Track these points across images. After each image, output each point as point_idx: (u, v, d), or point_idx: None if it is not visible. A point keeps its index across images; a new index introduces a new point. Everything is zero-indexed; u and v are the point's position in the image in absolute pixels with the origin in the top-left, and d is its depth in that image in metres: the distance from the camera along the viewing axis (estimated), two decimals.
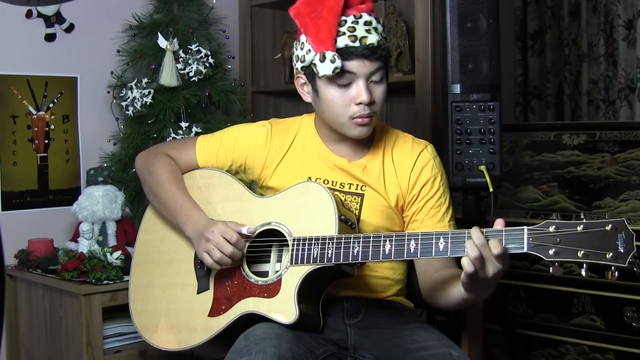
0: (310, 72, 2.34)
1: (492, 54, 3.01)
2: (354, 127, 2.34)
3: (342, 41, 2.26)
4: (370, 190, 2.41)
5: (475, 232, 1.97)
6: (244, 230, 2.27)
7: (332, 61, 2.25)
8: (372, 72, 2.29)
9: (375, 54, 2.27)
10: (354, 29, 2.27)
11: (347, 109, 2.31)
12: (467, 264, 1.97)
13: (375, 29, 2.29)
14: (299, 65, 2.38)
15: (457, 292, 2.16)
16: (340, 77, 2.28)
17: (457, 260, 2.41)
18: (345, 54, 2.26)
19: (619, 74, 4.54)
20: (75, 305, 3.29)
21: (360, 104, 2.29)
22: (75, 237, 3.67)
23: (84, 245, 3.54)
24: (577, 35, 4.83)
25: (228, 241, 2.24)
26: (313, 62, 2.29)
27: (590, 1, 4.71)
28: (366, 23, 2.28)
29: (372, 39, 2.27)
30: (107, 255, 3.41)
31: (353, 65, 2.27)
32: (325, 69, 2.26)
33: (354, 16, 2.29)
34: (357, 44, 2.25)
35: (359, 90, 2.29)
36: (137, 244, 2.60)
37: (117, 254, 3.44)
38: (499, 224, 1.99)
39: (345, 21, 2.28)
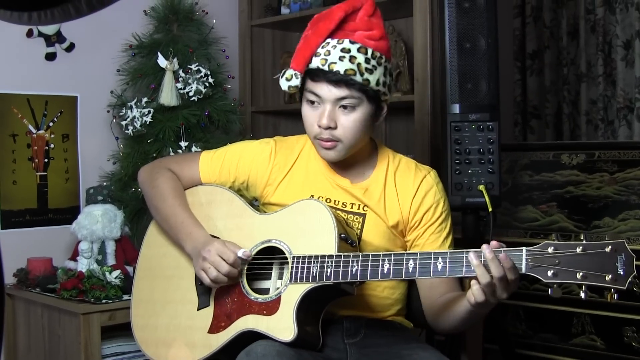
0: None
1: (490, 74, 3.01)
2: (319, 148, 2.38)
3: (315, 63, 2.30)
4: (371, 212, 2.41)
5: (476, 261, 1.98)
6: (240, 253, 2.27)
7: (288, 79, 2.31)
8: (339, 99, 2.29)
9: (340, 81, 2.28)
10: (329, 53, 2.29)
11: (312, 127, 2.35)
12: (478, 294, 1.99)
13: (352, 57, 2.28)
14: None
15: (460, 312, 2.16)
16: (310, 96, 2.33)
17: (463, 282, 2.42)
18: (314, 75, 2.30)
19: (617, 94, 4.55)
20: (73, 324, 3.28)
21: (319, 126, 2.31)
22: (74, 256, 3.66)
23: (83, 264, 3.54)
24: (575, 55, 4.84)
25: (225, 261, 2.24)
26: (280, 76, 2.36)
27: (589, 21, 4.72)
28: (343, 50, 2.29)
29: (340, 66, 2.27)
30: (106, 274, 3.41)
31: (319, 88, 2.30)
32: (283, 84, 2.34)
33: (338, 40, 2.31)
34: (325, 68, 2.28)
35: (321, 112, 2.31)
36: (139, 259, 2.60)
37: (116, 273, 3.44)
38: (493, 246, 1.99)
39: (328, 44, 2.31)
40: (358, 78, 2.28)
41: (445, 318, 2.30)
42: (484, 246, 1.97)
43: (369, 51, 2.31)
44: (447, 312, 2.26)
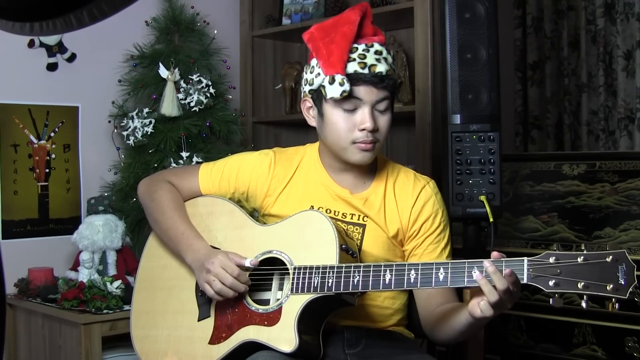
0: (317, 95, 2.36)
1: (492, 85, 3.02)
2: (356, 152, 2.34)
3: (352, 67, 2.28)
4: (371, 222, 2.41)
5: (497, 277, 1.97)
6: (247, 263, 2.26)
7: (341, 84, 2.26)
8: (378, 101, 2.31)
9: (382, 82, 2.29)
10: (365, 57, 2.29)
11: (350, 133, 2.32)
12: (486, 309, 1.98)
13: (385, 59, 2.32)
14: (307, 88, 2.39)
15: (460, 322, 2.16)
16: (346, 102, 2.30)
17: (459, 292, 2.42)
18: (353, 79, 2.28)
19: (618, 104, 4.55)
20: (74, 334, 3.28)
21: (363, 130, 2.30)
22: (75, 266, 3.67)
23: (84, 275, 3.54)
24: (576, 66, 4.84)
25: (229, 273, 2.24)
26: (322, 84, 2.30)
27: (590, 32, 4.73)
28: (377, 52, 2.31)
29: (381, 67, 2.29)
30: (107, 284, 3.41)
31: (360, 91, 2.29)
32: (333, 91, 2.28)
33: (366, 45, 2.31)
34: (366, 70, 2.28)
35: (364, 116, 2.30)
36: (139, 271, 2.60)
37: (117, 283, 3.44)
38: (494, 257, 1.99)
39: (357, 48, 2.31)
40: (394, 78, 2.35)
41: (444, 329, 2.29)
42: (486, 262, 1.97)
43: (391, 52, 2.37)
44: (446, 323, 2.26)
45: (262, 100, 4.65)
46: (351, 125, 2.32)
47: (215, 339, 2.31)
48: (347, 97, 2.29)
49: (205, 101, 3.80)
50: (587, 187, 3.53)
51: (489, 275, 1.95)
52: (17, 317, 3.63)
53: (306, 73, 2.41)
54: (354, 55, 2.29)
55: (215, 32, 4.08)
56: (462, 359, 2.95)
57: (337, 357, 2.33)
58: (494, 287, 1.95)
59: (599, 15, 4.65)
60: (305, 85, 2.41)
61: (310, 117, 2.45)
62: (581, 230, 3.49)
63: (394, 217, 2.42)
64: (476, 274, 1.98)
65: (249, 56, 4.57)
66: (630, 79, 4.52)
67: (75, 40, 3.93)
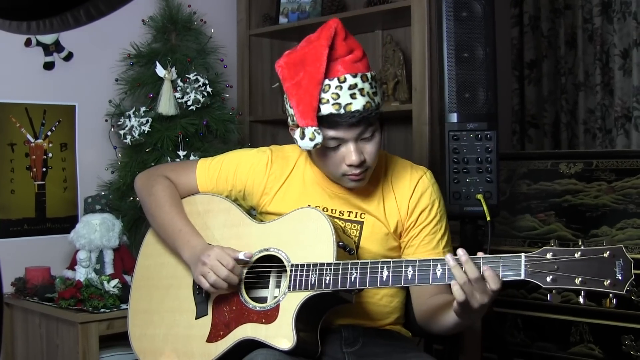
0: None
1: (489, 83, 3.02)
2: (348, 182, 2.34)
3: (326, 109, 2.21)
4: (370, 218, 2.41)
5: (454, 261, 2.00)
6: (241, 256, 2.27)
7: (312, 139, 2.20)
8: (360, 134, 2.26)
9: (362, 119, 2.23)
10: (338, 96, 2.21)
11: (338, 167, 2.30)
12: (457, 291, 1.99)
13: (361, 90, 2.23)
14: (290, 119, 2.34)
15: (450, 317, 2.16)
16: (330, 143, 2.26)
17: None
18: (330, 122, 2.22)
19: (615, 103, 4.56)
20: (72, 333, 3.28)
21: (350, 165, 2.28)
22: (72, 265, 3.66)
23: (81, 274, 3.54)
24: (573, 65, 4.85)
25: (224, 266, 2.24)
26: (294, 137, 2.25)
27: (587, 31, 4.74)
28: (351, 87, 2.22)
29: (358, 104, 2.21)
30: (104, 283, 3.41)
31: (339, 132, 2.24)
32: (305, 144, 2.23)
33: (338, 79, 2.22)
34: (342, 111, 2.20)
35: (348, 152, 2.26)
36: (136, 269, 2.60)
37: (114, 282, 3.44)
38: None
39: (329, 86, 2.22)
40: (373, 107, 2.25)
41: (435, 321, 2.30)
42: (459, 250, 2.00)
43: (368, 75, 2.27)
44: (438, 316, 2.27)
45: (259, 99, 4.65)
46: (338, 161, 2.29)
47: (212, 337, 2.31)
48: (327, 139, 2.24)
49: (202, 100, 3.80)
50: (584, 185, 3.53)
51: (462, 264, 1.98)
52: (15, 317, 3.63)
53: (286, 103, 2.33)
54: (327, 96, 2.21)
55: (212, 30, 4.08)
56: (460, 357, 2.95)
57: (334, 355, 2.33)
58: (469, 278, 1.97)
59: (595, 14, 4.65)
60: (288, 115, 2.35)
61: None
62: (578, 228, 3.49)
63: (393, 208, 2.42)
64: (447, 257, 2.01)
65: (246, 55, 4.57)
66: (627, 77, 4.52)
67: (72, 39, 3.92)
